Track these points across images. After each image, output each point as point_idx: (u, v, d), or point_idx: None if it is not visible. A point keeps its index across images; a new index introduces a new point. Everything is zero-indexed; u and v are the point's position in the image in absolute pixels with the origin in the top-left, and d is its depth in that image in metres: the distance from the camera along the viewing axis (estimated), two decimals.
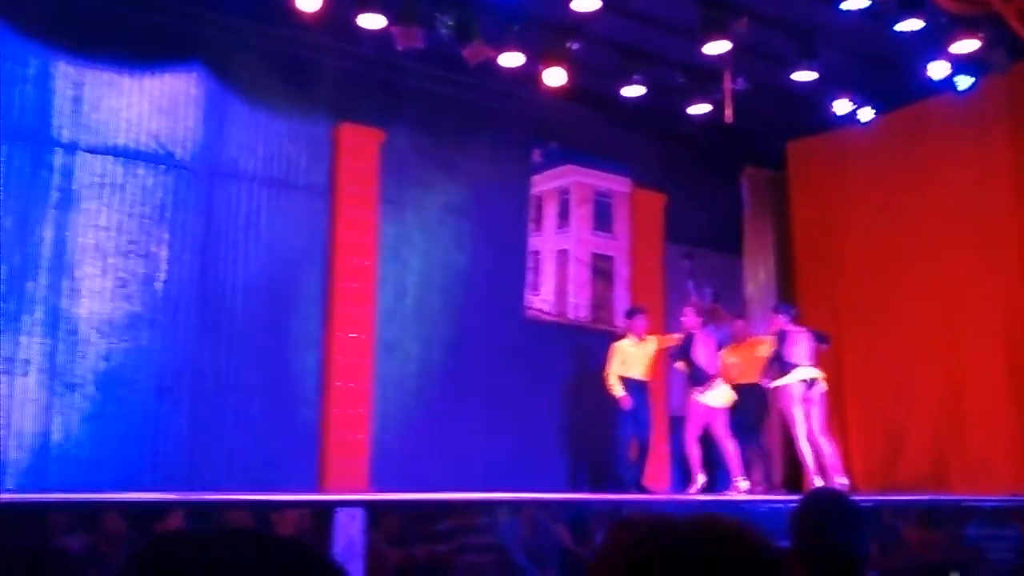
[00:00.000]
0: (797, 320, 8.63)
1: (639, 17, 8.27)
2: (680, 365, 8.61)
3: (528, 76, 8.53)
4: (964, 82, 8.92)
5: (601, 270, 10.23)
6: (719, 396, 8.30)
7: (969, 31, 8.03)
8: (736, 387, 8.80)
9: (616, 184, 10.42)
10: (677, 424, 9.28)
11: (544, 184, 9.97)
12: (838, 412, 10.07)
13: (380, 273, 8.65)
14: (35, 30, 7.29)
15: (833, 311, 10.22)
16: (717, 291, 10.77)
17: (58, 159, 7.31)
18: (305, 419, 8.15)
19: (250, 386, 7.92)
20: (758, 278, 11.05)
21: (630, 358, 8.44)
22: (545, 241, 9.93)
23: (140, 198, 7.61)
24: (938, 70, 8.69)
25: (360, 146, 8.66)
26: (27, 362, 6.97)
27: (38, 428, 6.95)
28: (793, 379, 8.25)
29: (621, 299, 10.01)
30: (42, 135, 7.28)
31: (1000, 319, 8.80)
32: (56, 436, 7.02)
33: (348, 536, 4.77)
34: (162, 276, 7.62)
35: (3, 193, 7.06)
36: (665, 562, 1.22)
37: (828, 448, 8.32)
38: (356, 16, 7.56)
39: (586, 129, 10.07)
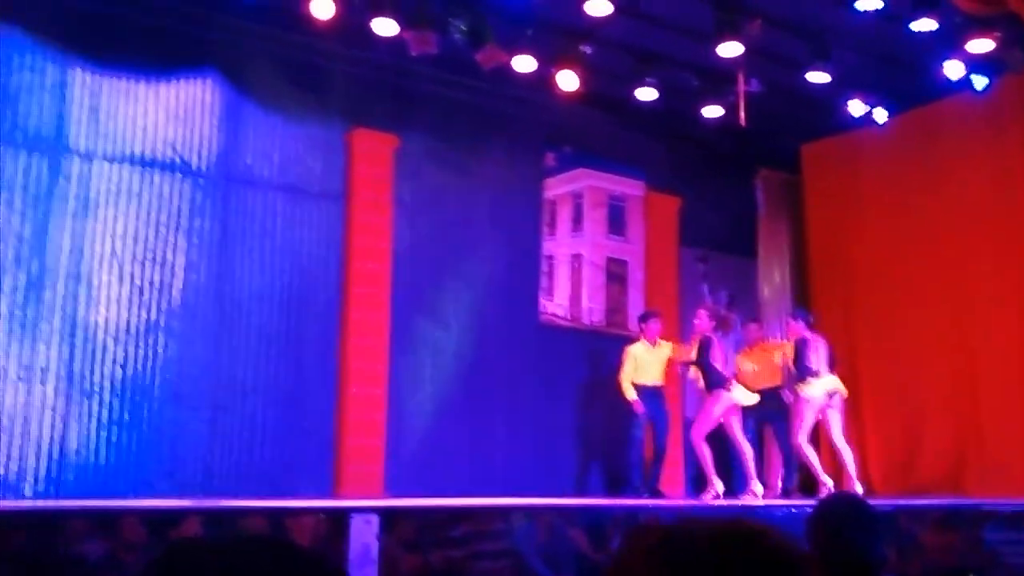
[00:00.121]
0: (812, 326, 8.59)
1: (652, 20, 8.26)
2: (693, 373, 8.55)
3: (541, 80, 8.54)
4: (980, 82, 8.86)
5: (615, 274, 10.22)
6: (746, 395, 8.26)
7: (984, 31, 7.98)
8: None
9: (630, 188, 10.41)
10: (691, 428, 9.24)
11: (558, 188, 9.97)
12: (854, 415, 10.01)
13: (395, 278, 8.67)
14: (52, 39, 7.35)
15: (848, 313, 10.17)
16: (732, 294, 10.73)
17: (75, 167, 7.37)
18: (321, 425, 8.17)
19: (266, 392, 7.95)
20: (773, 281, 11.01)
21: (643, 363, 8.42)
22: (559, 245, 9.92)
23: (156, 206, 7.66)
24: (953, 70, 8.63)
25: (374, 151, 8.69)
26: (45, 370, 7.03)
27: (56, 435, 7.00)
28: (820, 390, 8.23)
29: (635, 303, 9.99)
30: (59, 144, 7.33)
31: (1016, 321, 8.73)
32: (73, 443, 7.06)
33: (363, 542, 4.78)
34: (178, 284, 7.66)
35: (21, 201, 7.12)
36: (684, 567, 1.22)
37: (848, 454, 8.29)
38: (370, 22, 7.59)
39: (599, 133, 10.06)
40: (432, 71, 8.63)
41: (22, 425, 6.88)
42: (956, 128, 9.36)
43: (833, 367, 8.40)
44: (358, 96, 8.71)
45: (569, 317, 9.85)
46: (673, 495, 8.89)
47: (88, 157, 7.43)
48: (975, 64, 8.57)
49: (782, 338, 9.29)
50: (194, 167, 7.88)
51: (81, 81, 7.46)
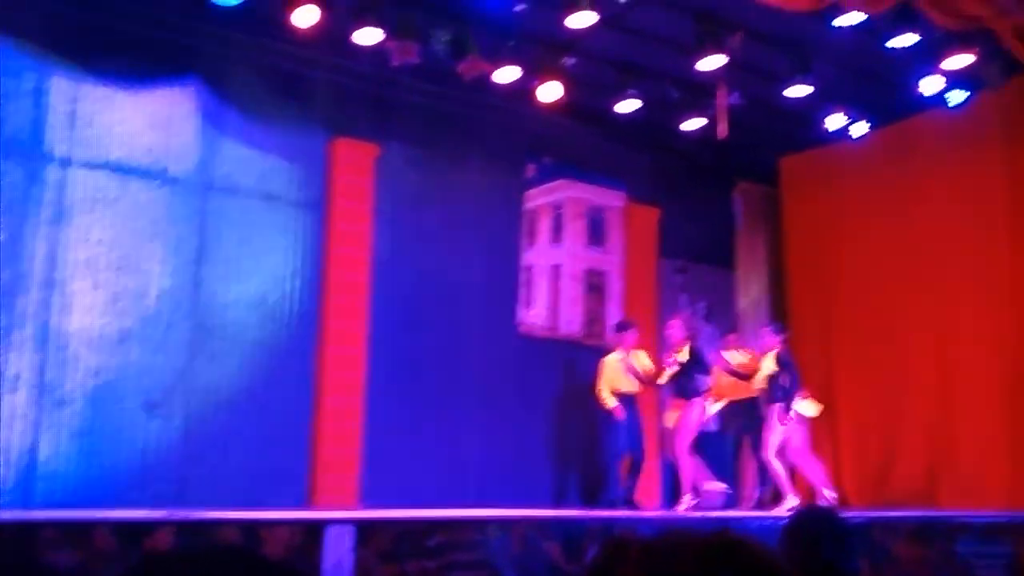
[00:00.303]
0: (785, 344, 8.66)
1: (633, 32, 8.30)
2: (666, 379, 8.57)
3: (523, 91, 8.56)
4: (955, 98, 8.95)
5: (594, 285, 10.24)
6: (717, 405, 8.37)
7: (962, 47, 8.06)
8: (729, 403, 8.82)
9: (610, 199, 10.44)
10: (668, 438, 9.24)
11: (538, 199, 9.99)
12: (830, 427, 10.07)
13: (373, 288, 8.64)
14: (30, 45, 7.30)
15: (826, 326, 10.23)
16: (710, 305, 10.77)
17: (52, 174, 7.30)
18: (296, 434, 8.12)
19: (242, 401, 7.89)
20: (751, 293, 11.06)
21: (619, 372, 8.43)
22: (539, 256, 9.94)
23: (134, 213, 7.61)
24: (931, 86, 8.72)
25: (354, 161, 8.67)
26: (17, 378, 6.94)
27: (27, 444, 6.91)
28: (810, 410, 8.34)
29: (614, 314, 10.01)
30: (36, 150, 7.27)
31: (992, 335, 8.80)
32: (45, 452, 6.98)
33: (338, 553, 4.75)
34: (154, 292, 7.60)
35: None
36: None
37: (817, 466, 8.37)
38: (352, 32, 7.59)
39: (580, 144, 10.09)
40: (414, 81, 8.63)
41: None
42: (934, 143, 9.45)
43: None
44: (339, 105, 8.70)
45: (547, 327, 9.85)
46: (649, 506, 8.89)
47: (65, 163, 7.37)
48: (953, 80, 8.66)
49: (760, 350, 9.29)
50: (172, 174, 7.83)
51: (59, 87, 7.40)
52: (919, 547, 6.32)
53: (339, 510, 6.66)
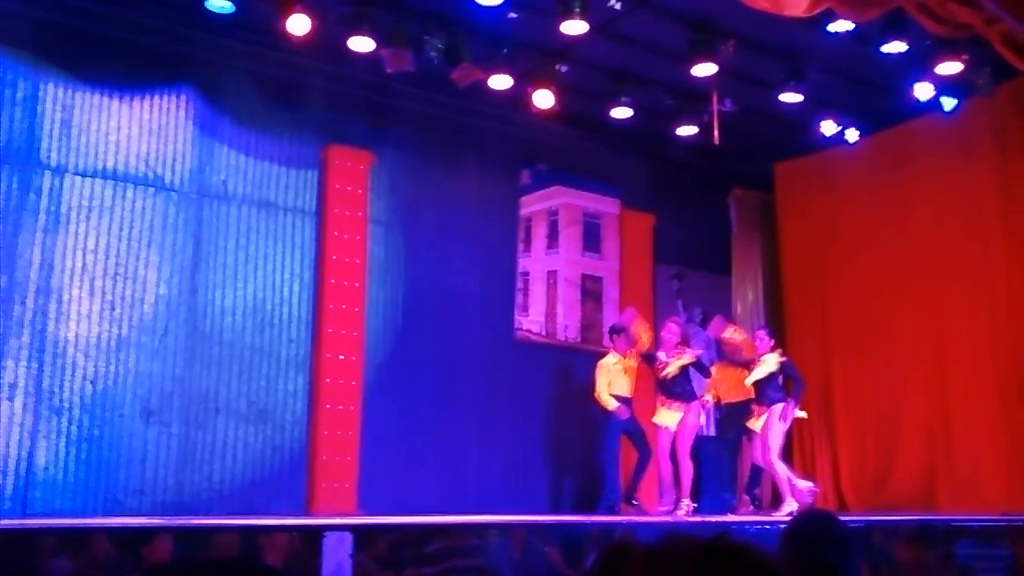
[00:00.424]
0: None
1: (627, 40, 8.33)
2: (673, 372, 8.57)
3: (517, 98, 8.58)
4: (948, 103, 9.01)
5: (590, 291, 10.25)
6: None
7: (953, 53, 8.12)
8: (726, 405, 8.82)
9: (605, 205, 10.46)
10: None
11: (533, 205, 10.00)
12: (828, 431, 10.10)
13: (369, 295, 8.65)
14: (24, 53, 7.30)
15: (822, 330, 10.26)
16: (706, 311, 10.79)
17: (47, 182, 7.30)
18: (294, 441, 8.11)
19: (239, 409, 7.89)
20: (747, 298, 11.09)
21: (615, 375, 8.43)
22: (534, 262, 9.94)
23: (129, 220, 7.61)
24: (923, 92, 8.77)
25: (349, 168, 8.68)
26: (13, 386, 6.94)
27: (24, 452, 6.90)
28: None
29: (610, 320, 10.00)
30: (31, 158, 7.27)
31: (988, 338, 8.84)
32: (42, 460, 6.97)
33: (336, 560, 4.75)
34: (150, 299, 7.60)
35: None
36: None
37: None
38: (346, 39, 7.61)
39: (575, 151, 10.12)
40: (408, 88, 8.65)
41: None
42: (927, 148, 9.50)
43: None
44: (334, 112, 8.71)
45: (544, 333, 9.86)
46: (648, 508, 8.89)
47: (60, 171, 7.38)
48: (944, 86, 8.72)
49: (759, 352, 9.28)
50: (167, 182, 7.83)
51: (54, 95, 7.41)
52: (918, 550, 6.33)
53: (337, 516, 6.65)
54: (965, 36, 7.32)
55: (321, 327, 8.34)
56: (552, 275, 10.03)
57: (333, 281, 8.43)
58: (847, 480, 9.85)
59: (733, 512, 8.47)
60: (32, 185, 7.24)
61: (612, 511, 8.18)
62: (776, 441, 8.16)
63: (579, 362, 9.45)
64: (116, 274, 7.49)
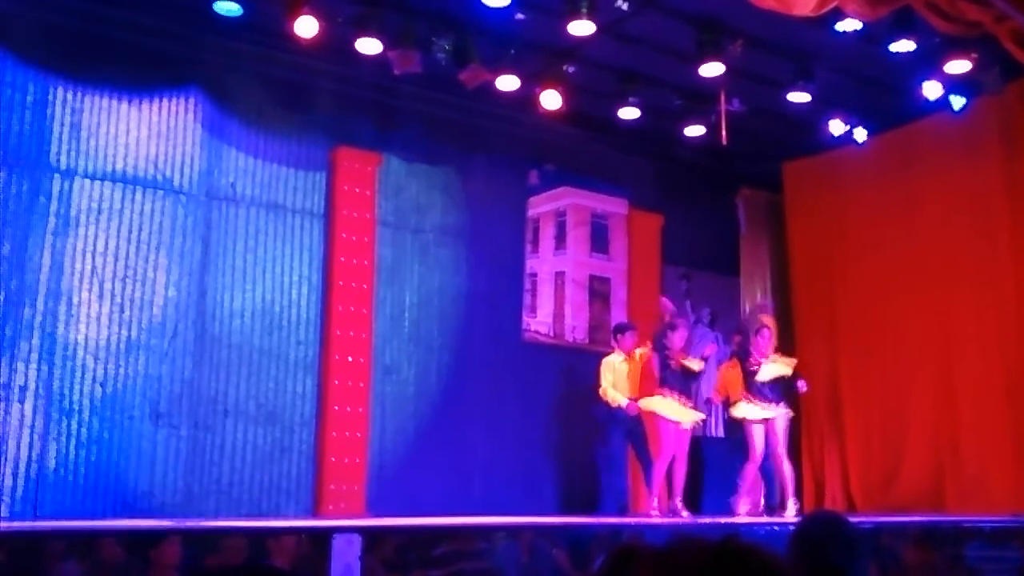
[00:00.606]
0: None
1: (634, 40, 8.32)
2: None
3: (525, 99, 8.58)
4: (957, 102, 8.97)
5: (598, 292, 10.24)
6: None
7: (962, 52, 8.08)
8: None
9: (613, 206, 10.45)
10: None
11: (541, 206, 10.00)
12: (836, 431, 10.07)
13: (377, 296, 8.66)
14: (34, 57, 7.34)
15: (830, 330, 10.23)
16: (714, 312, 10.78)
17: (56, 185, 7.34)
18: (302, 443, 8.13)
19: (247, 411, 7.90)
20: (755, 298, 11.05)
21: (619, 375, 8.38)
22: (542, 263, 9.94)
23: (138, 223, 7.63)
24: (932, 91, 8.73)
25: (357, 170, 8.69)
26: (23, 388, 6.97)
27: (34, 454, 6.93)
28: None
29: (618, 320, 10.00)
30: (40, 161, 7.30)
31: (996, 337, 8.80)
32: (52, 462, 7.00)
33: (345, 562, 4.75)
34: (159, 301, 7.62)
35: (0, 219, 7.07)
36: None
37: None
38: (353, 41, 7.62)
39: (583, 151, 10.11)
40: (416, 90, 8.66)
41: None
42: (935, 147, 9.46)
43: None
44: (342, 114, 8.72)
45: (552, 334, 9.86)
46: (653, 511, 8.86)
47: (69, 174, 7.40)
48: (953, 85, 8.68)
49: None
50: (176, 185, 7.86)
51: (62, 98, 7.44)
52: (927, 552, 6.31)
53: (346, 519, 6.67)
54: (974, 34, 7.28)
55: (329, 329, 8.35)
56: (560, 276, 10.02)
57: (341, 283, 8.44)
58: (855, 480, 9.82)
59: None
60: (41, 188, 7.28)
61: (623, 511, 8.14)
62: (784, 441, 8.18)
63: (587, 363, 9.42)
64: (125, 277, 7.52)
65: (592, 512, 8.43)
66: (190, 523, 5.58)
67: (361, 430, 8.31)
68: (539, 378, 9.47)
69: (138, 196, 7.67)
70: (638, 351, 8.41)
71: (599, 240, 10.33)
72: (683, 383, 8.09)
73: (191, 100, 8.00)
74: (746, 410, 8.21)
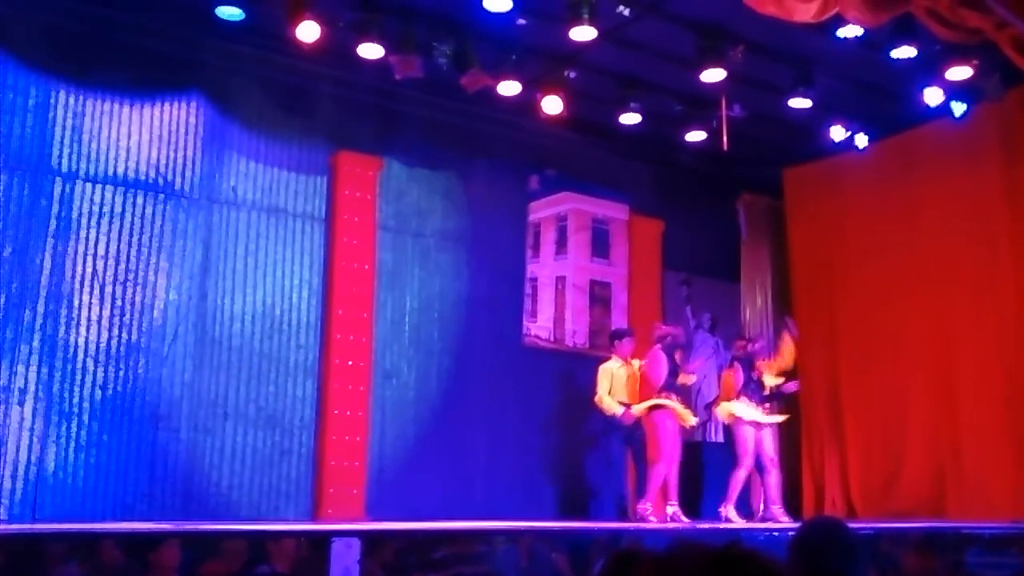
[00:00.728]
0: None
1: (636, 46, 8.33)
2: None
3: (526, 104, 8.59)
4: (958, 109, 8.98)
5: (599, 296, 10.25)
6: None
7: (963, 58, 8.09)
8: None
9: (614, 211, 10.46)
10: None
11: (542, 211, 10.01)
12: (836, 436, 10.07)
13: (378, 300, 8.67)
14: (35, 60, 7.35)
15: (830, 336, 10.23)
16: (715, 317, 10.77)
17: (57, 188, 7.35)
18: (302, 447, 8.13)
19: (247, 414, 7.91)
20: (756, 304, 11.06)
21: (617, 381, 8.38)
22: (543, 268, 9.95)
23: (139, 227, 7.64)
24: (933, 97, 8.75)
25: (358, 174, 8.70)
26: (23, 391, 6.97)
27: (33, 457, 6.93)
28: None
29: (618, 325, 10.01)
30: (42, 164, 7.31)
31: (996, 343, 8.80)
32: (51, 465, 7.00)
33: (344, 565, 4.75)
34: (160, 305, 7.63)
35: (2, 222, 7.09)
36: None
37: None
38: (355, 46, 7.63)
39: (584, 156, 10.12)
40: (417, 94, 8.67)
41: None
42: (936, 154, 9.46)
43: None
44: (343, 118, 8.74)
45: (552, 339, 9.86)
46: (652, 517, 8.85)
47: (70, 178, 7.42)
48: (954, 91, 8.69)
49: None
50: (177, 188, 7.87)
51: (64, 102, 7.46)
52: (927, 558, 6.30)
53: (345, 522, 6.66)
54: (975, 41, 7.29)
55: (330, 333, 8.35)
56: (561, 281, 10.03)
57: (342, 287, 8.45)
58: (855, 486, 9.81)
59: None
60: (43, 191, 7.29)
61: (623, 513, 8.13)
62: None
63: (587, 368, 9.43)
64: (126, 280, 7.52)
65: (588, 517, 8.43)
66: (189, 526, 5.58)
67: (361, 434, 8.31)
68: (539, 383, 9.47)
69: (139, 199, 7.68)
70: (635, 362, 8.43)
71: (600, 245, 10.34)
72: (681, 390, 8.28)
73: (192, 104, 8.01)
74: (738, 408, 8.24)
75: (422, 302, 8.97)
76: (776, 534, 6.21)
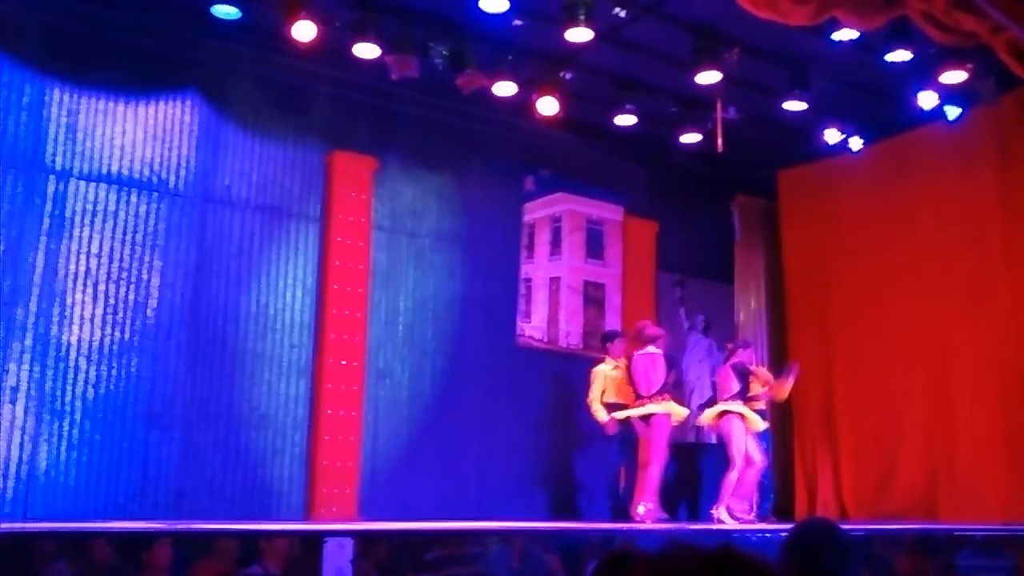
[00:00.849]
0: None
1: (631, 47, 8.34)
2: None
3: (521, 105, 8.60)
4: (952, 112, 9.00)
5: (593, 297, 10.25)
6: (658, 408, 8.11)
7: (958, 62, 8.11)
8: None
9: (608, 212, 10.46)
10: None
11: (536, 212, 10.01)
12: (829, 439, 10.08)
13: (372, 300, 8.66)
14: (30, 58, 7.33)
15: (824, 338, 10.25)
16: (708, 318, 10.78)
17: (51, 186, 7.32)
18: (295, 446, 8.12)
19: (240, 413, 7.89)
20: (749, 305, 11.08)
21: (611, 382, 8.38)
22: (537, 268, 9.95)
23: (133, 225, 7.62)
24: (927, 101, 8.77)
25: (353, 174, 8.69)
26: (15, 389, 6.95)
27: (25, 455, 6.91)
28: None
29: (612, 326, 10.02)
30: (36, 162, 7.29)
31: (990, 346, 8.82)
32: (43, 463, 6.98)
33: (337, 566, 4.74)
34: (153, 303, 7.61)
35: None
36: None
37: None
38: (351, 45, 7.63)
39: (579, 157, 10.13)
40: (412, 94, 8.67)
41: None
42: (930, 156, 9.49)
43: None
44: (338, 118, 8.73)
45: (546, 340, 9.86)
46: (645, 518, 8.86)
47: (64, 176, 7.39)
48: (949, 95, 8.71)
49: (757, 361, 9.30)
50: (171, 187, 7.85)
51: (59, 99, 7.43)
52: (919, 560, 6.31)
53: (338, 522, 6.65)
54: (970, 45, 7.31)
55: (323, 332, 8.34)
56: (555, 282, 10.03)
57: (336, 287, 8.44)
58: (848, 488, 9.83)
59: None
60: (37, 189, 7.26)
61: (621, 515, 8.12)
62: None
63: (581, 369, 9.42)
64: (119, 278, 7.50)
65: (581, 518, 8.43)
66: (182, 525, 5.57)
67: (354, 434, 8.30)
68: (533, 383, 9.47)
69: (133, 198, 7.66)
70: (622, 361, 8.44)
71: (594, 246, 10.34)
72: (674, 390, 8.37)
73: (188, 102, 8.00)
74: (732, 405, 8.25)
75: (416, 302, 8.96)
76: (768, 535, 6.22)
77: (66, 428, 7.11)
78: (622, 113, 8.94)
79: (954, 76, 8.27)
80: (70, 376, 7.18)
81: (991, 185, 9.04)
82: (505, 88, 8.26)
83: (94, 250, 7.43)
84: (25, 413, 6.96)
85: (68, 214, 7.35)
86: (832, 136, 9.67)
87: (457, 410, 8.93)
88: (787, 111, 8.83)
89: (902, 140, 9.71)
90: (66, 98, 7.46)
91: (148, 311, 7.59)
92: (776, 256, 11.00)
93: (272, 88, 8.39)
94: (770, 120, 9.29)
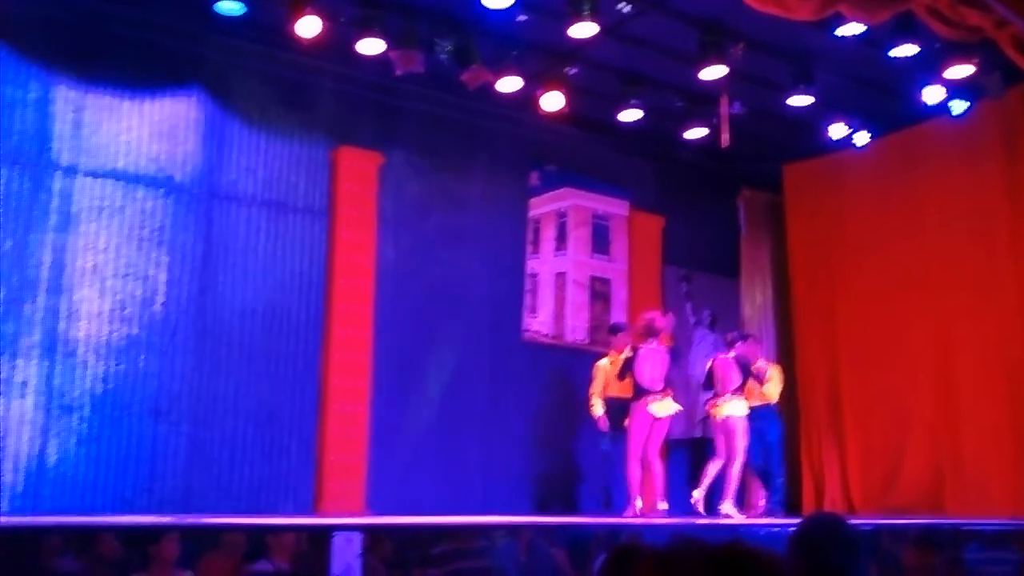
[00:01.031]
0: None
1: (637, 42, 8.34)
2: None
3: (526, 100, 8.60)
4: (958, 107, 8.98)
5: (599, 292, 10.25)
6: (664, 407, 7.90)
7: (963, 56, 8.10)
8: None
9: (614, 207, 10.46)
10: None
11: (542, 207, 10.01)
12: (836, 434, 10.08)
13: (378, 296, 8.66)
14: (35, 54, 7.34)
15: (830, 333, 10.25)
16: (714, 313, 10.78)
17: (57, 182, 7.34)
18: (302, 441, 8.13)
19: (247, 408, 7.91)
20: (755, 300, 11.07)
21: (612, 377, 8.36)
22: (543, 263, 9.95)
23: (139, 221, 7.64)
24: (933, 95, 8.75)
25: (359, 169, 8.70)
26: (24, 384, 6.97)
27: (34, 450, 6.94)
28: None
29: (617, 320, 10.02)
30: (42, 158, 7.30)
31: (996, 341, 8.81)
32: (52, 458, 7.00)
33: (345, 560, 4.76)
34: (160, 299, 7.62)
35: (2, 216, 7.08)
36: None
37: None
38: (356, 41, 7.63)
39: (584, 152, 10.13)
40: (418, 90, 8.67)
41: (0, 440, 6.82)
42: (936, 151, 9.48)
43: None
44: (343, 114, 8.73)
45: (552, 335, 9.87)
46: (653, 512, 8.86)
47: (71, 172, 7.41)
48: (954, 89, 8.70)
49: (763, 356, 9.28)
50: (177, 182, 7.86)
51: (65, 96, 7.44)
52: (927, 554, 6.31)
53: (346, 517, 6.67)
54: (975, 39, 7.30)
55: (330, 327, 8.35)
56: (561, 276, 10.03)
57: (342, 282, 8.45)
58: (855, 482, 9.83)
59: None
60: (43, 185, 7.28)
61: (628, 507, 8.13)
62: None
63: (587, 364, 9.41)
64: (126, 274, 7.52)
65: (587, 512, 8.44)
66: (189, 519, 5.59)
67: (361, 429, 8.32)
68: (539, 378, 9.49)
69: (139, 193, 7.68)
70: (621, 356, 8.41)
71: (600, 241, 10.34)
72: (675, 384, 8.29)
73: (193, 98, 8.00)
74: (734, 405, 8.24)
75: (422, 297, 8.96)
76: (776, 530, 6.22)
77: (74, 423, 7.13)
78: (627, 108, 8.94)
79: (959, 71, 8.26)
80: (78, 371, 7.20)
81: (997, 179, 9.02)
82: (510, 83, 8.26)
83: (101, 246, 7.45)
84: (34, 408, 6.98)
85: (75, 210, 7.37)
86: (837, 131, 9.67)
87: (463, 405, 8.94)
88: (792, 106, 8.83)
89: (908, 135, 9.69)
90: (72, 94, 7.47)
91: (155, 306, 7.61)
92: (782, 251, 10.99)
93: (277, 84, 8.39)
94: (775, 115, 9.28)
